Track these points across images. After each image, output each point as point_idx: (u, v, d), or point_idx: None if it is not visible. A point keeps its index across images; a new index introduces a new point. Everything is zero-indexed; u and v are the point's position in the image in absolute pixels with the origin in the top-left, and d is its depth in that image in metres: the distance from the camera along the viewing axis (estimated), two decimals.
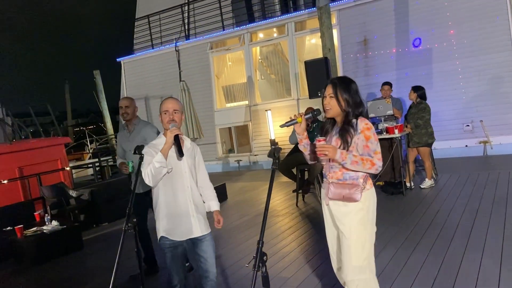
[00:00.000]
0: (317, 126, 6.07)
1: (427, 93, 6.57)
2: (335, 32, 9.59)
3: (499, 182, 6.09)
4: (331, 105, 2.55)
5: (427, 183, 6.46)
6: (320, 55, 8.62)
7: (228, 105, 12.27)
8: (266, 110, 10.80)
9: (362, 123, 2.51)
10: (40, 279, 4.87)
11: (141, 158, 2.62)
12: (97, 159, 13.78)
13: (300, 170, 6.76)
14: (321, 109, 2.69)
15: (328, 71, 7.76)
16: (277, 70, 11.84)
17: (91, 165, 13.39)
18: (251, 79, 11.45)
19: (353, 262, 2.53)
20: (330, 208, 2.63)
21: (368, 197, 2.56)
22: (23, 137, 12.43)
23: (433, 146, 6.65)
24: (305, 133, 2.66)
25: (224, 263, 4.45)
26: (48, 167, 8.15)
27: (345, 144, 2.49)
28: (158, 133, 3.99)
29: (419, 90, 6.45)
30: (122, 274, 4.20)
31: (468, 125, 8.75)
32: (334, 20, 9.77)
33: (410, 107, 6.62)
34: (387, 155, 6.33)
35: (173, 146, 2.69)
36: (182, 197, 2.78)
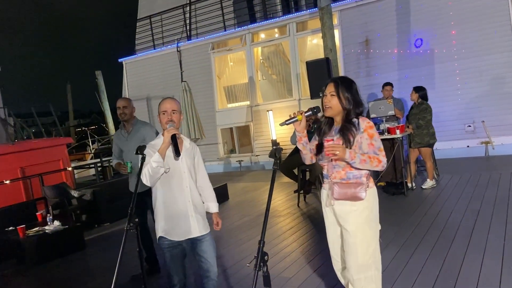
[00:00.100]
0: (318, 127, 6.07)
1: (428, 93, 6.57)
2: (336, 33, 9.59)
3: (501, 183, 6.08)
4: (332, 104, 2.56)
5: (429, 183, 6.46)
6: (321, 55, 8.62)
7: (230, 105, 12.28)
8: (267, 111, 10.80)
9: (364, 122, 2.53)
10: (42, 279, 4.89)
11: (143, 159, 2.63)
12: (99, 160, 13.80)
13: (301, 171, 6.77)
14: (321, 108, 2.69)
15: (330, 72, 7.76)
16: (278, 70, 11.85)
17: (93, 166, 13.42)
18: (252, 80, 11.46)
19: (359, 261, 2.55)
20: (334, 208, 2.62)
21: (372, 195, 2.59)
22: (25, 137, 12.48)
23: (435, 146, 6.64)
24: (305, 131, 2.66)
25: (226, 263, 4.45)
26: (50, 167, 8.17)
27: (347, 143, 2.49)
28: (157, 133, 4.00)
29: (420, 91, 6.45)
30: (124, 274, 4.22)
31: (469, 126, 8.74)
32: (335, 21, 9.76)
33: (412, 107, 6.62)
34: (388, 156, 6.32)
35: (170, 146, 2.70)
36: (180, 197, 2.78)
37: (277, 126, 10.47)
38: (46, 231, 5.47)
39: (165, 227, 2.80)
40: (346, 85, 2.56)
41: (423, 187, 6.46)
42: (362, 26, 9.81)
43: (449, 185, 6.46)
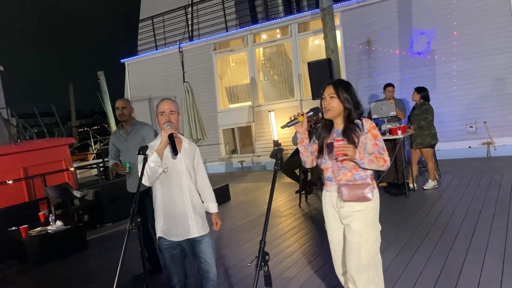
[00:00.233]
0: (316, 130, 6.07)
1: (430, 94, 6.57)
2: (338, 33, 9.61)
3: (502, 184, 6.08)
4: (332, 105, 2.57)
5: (430, 184, 6.46)
6: (323, 56, 8.63)
7: (232, 106, 12.30)
8: (269, 111, 10.83)
9: (367, 123, 2.57)
10: (44, 278, 4.91)
11: (145, 159, 2.64)
12: (101, 160, 13.81)
13: (303, 171, 6.78)
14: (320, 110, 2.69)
15: (331, 72, 7.77)
16: (280, 71, 11.87)
17: (95, 166, 13.44)
18: (254, 80, 11.48)
19: (361, 260, 2.56)
20: (340, 210, 2.62)
21: (377, 195, 2.61)
22: (27, 137, 12.51)
23: (437, 147, 6.64)
24: (306, 133, 2.67)
25: (227, 263, 4.47)
26: (52, 167, 8.20)
27: (352, 144, 2.49)
28: (156, 133, 4.02)
29: (422, 91, 6.45)
30: (126, 274, 4.23)
31: (471, 126, 8.74)
32: (337, 22, 9.78)
33: (413, 108, 6.62)
34: (390, 156, 6.31)
35: (168, 146, 2.71)
36: (179, 198, 2.79)
37: (279, 127, 10.49)
38: (49, 231, 5.49)
39: (164, 227, 2.81)
40: (344, 86, 2.59)
41: (425, 187, 6.46)
42: (363, 27, 9.82)
43: (451, 186, 6.46)
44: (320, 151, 2.67)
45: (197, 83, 12.04)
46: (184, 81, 11.88)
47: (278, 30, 11.43)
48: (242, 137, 12.12)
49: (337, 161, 2.55)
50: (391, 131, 6.36)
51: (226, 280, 3.98)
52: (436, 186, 6.49)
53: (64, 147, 9.09)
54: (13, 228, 5.86)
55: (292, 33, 10.79)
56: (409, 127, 6.46)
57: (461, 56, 8.80)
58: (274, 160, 2.40)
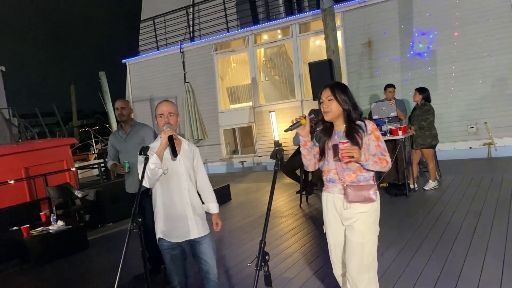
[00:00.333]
0: (316, 133, 6.08)
1: (431, 94, 6.57)
2: (339, 34, 9.62)
3: (503, 184, 6.08)
4: (331, 108, 2.58)
5: (431, 184, 6.47)
6: (324, 56, 8.64)
7: (232, 106, 12.32)
8: (270, 112, 10.84)
9: (370, 124, 2.58)
10: (45, 278, 4.92)
11: (146, 160, 2.66)
12: (102, 160, 13.84)
13: (303, 171, 6.78)
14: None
15: (332, 73, 7.78)
16: (281, 71, 11.88)
17: (96, 166, 13.46)
18: (255, 81, 11.49)
19: (364, 261, 2.58)
20: (342, 212, 2.63)
21: (379, 196, 2.62)
22: (29, 137, 12.54)
23: (437, 147, 6.65)
24: (309, 136, 2.68)
25: (228, 263, 4.48)
26: (54, 167, 8.23)
27: (356, 146, 2.50)
28: (156, 134, 4.03)
29: (423, 92, 6.45)
30: (127, 273, 4.25)
31: (472, 127, 8.74)
32: (338, 22, 9.79)
33: (414, 108, 6.62)
34: (391, 157, 6.33)
35: (168, 147, 2.72)
36: (179, 199, 2.80)
37: (280, 127, 10.50)
38: (50, 231, 5.51)
39: (164, 228, 2.81)
40: (341, 88, 2.61)
41: (425, 188, 6.47)
42: (364, 27, 9.83)
43: (451, 187, 6.46)
44: (322, 154, 2.67)
45: (198, 83, 12.06)
46: (185, 82, 11.90)
47: (279, 31, 11.45)
48: (243, 138, 12.13)
49: (342, 163, 2.56)
50: (391, 132, 6.37)
51: (227, 280, 3.99)
52: (437, 186, 6.50)
53: (65, 147, 9.11)
54: (15, 228, 5.88)
55: (293, 34, 10.80)
56: (410, 128, 6.47)
57: (462, 57, 8.80)
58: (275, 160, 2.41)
